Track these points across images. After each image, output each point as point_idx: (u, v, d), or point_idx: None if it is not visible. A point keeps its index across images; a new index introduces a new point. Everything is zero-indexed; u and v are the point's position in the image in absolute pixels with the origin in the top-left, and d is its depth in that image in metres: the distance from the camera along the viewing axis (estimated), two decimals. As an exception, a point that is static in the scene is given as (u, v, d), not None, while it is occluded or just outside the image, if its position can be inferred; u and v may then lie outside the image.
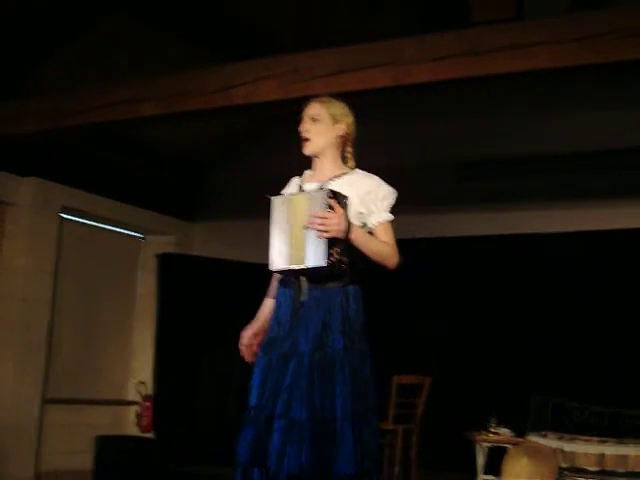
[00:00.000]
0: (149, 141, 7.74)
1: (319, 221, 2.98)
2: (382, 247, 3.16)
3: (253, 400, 3.07)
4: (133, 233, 8.62)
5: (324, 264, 2.98)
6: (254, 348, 3.25)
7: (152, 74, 5.28)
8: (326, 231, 2.98)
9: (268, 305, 3.31)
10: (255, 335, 3.28)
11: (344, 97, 4.13)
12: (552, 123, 6.94)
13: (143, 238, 8.72)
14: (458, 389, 7.01)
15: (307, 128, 3.25)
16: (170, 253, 8.38)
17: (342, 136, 3.28)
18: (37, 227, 7.20)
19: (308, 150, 3.26)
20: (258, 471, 2.97)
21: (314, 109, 3.27)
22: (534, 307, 7.04)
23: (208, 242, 8.71)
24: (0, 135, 5.92)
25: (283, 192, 3.34)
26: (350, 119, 3.30)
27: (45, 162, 7.20)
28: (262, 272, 3.27)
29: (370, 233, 3.19)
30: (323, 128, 3.24)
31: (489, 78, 4.34)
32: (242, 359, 3.27)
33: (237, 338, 3.30)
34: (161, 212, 8.50)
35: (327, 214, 2.98)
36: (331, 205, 3.00)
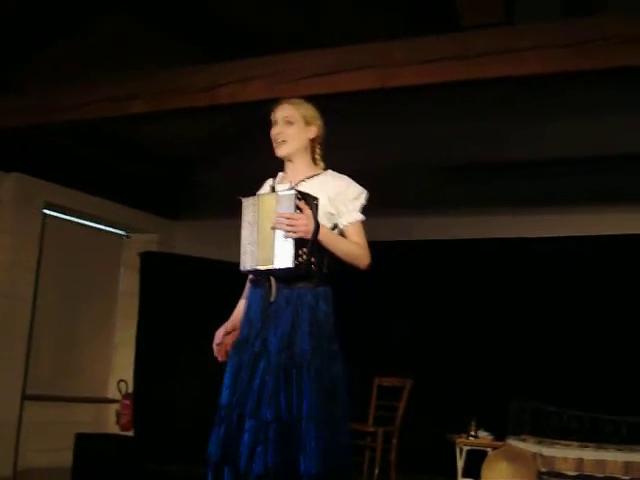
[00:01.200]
0: (134, 138, 7.64)
1: (286, 222, 2.97)
2: (352, 248, 3.14)
3: (224, 399, 3.06)
4: (116, 230, 8.53)
5: (291, 265, 2.97)
6: (226, 347, 3.25)
7: (139, 72, 5.20)
8: (293, 232, 2.96)
9: (241, 306, 3.30)
10: (227, 334, 3.27)
11: (331, 98, 4.09)
12: (538, 128, 6.91)
13: (126, 236, 8.64)
14: (439, 392, 6.99)
15: (282, 130, 3.22)
16: (153, 251, 8.29)
17: (313, 139, 3.27)
18: (19, 223, 7.09)
19: (283, 151, 3.23)
20: (228, 470, 2.97)
21: (287, 111, 3.24)
22: (515, 310, 7.04)
23: (191, 241, 8.63)
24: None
25: (258, 194, 3.31)
26: (320, 121, 3.28)
27: (28, 158, 7.09)
28: (238, 271, 3.21)
29: (342, 234, 3.17)
30: (297, 130, 3.22)
31: (477, 82, 4.29)
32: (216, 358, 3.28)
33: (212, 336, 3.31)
34: (144, 210, 8.41)
35: (294, 215, 2.98)
36: (299, 206, 2.99)
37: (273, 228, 3.00)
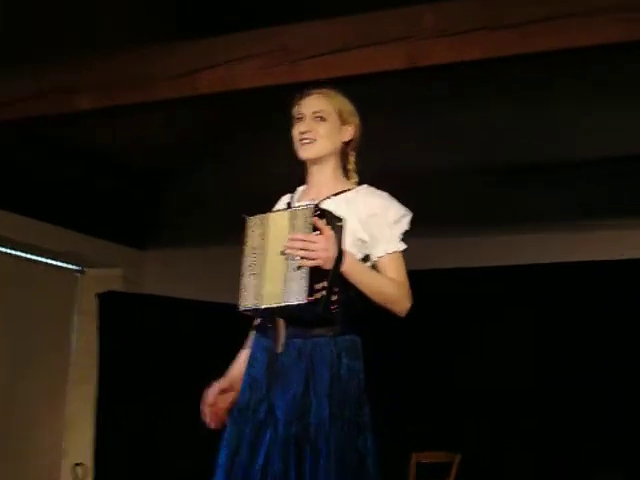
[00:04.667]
0: (83, 144, 7.65)
1: (300, 245, 2.97)
2: (388, 285, 3.14)
3: None
4: (66, 265, 8.56)
5: (304, 301, 2.95)
6: (221, 411, 3.27)
7: (90, 55, 5.22)
8: (308, 258, 2.95)
9: (243, 358, 3.31)
10: (223, 392, 3.29)
11: (343, 83, 4.11)
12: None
13: (80, 271, 8.66)
14: (493, 466, 7.00)
15: (312, 127, 3.23)
16: (115, 291, 8.32)
17: (348, 142, 3.30)
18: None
19: (310, 153, 3.25)
20: None
21: (318, 104, 3.27)
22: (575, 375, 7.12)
23: (163, 276, 8.68)
24: None
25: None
26: (357, 120, 3.32)
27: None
28: (231, 314, 3.25)
29: (374, 267, 3.17)
30: (331, 129, 3.24)
31: (527, 57, 4.30)
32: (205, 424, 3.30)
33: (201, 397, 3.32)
34: (104, 237, 8.45)
35: (311, 237, 2.97)
36: (317, 225, 2.98)
37: (283, 253, 3.01)
